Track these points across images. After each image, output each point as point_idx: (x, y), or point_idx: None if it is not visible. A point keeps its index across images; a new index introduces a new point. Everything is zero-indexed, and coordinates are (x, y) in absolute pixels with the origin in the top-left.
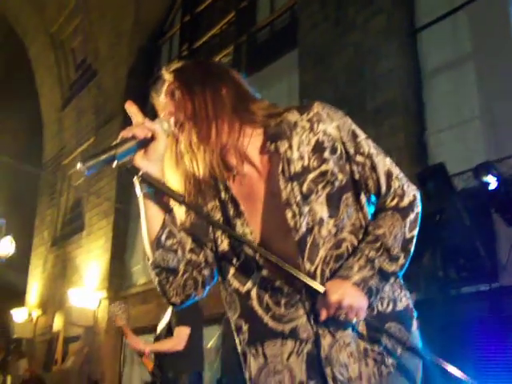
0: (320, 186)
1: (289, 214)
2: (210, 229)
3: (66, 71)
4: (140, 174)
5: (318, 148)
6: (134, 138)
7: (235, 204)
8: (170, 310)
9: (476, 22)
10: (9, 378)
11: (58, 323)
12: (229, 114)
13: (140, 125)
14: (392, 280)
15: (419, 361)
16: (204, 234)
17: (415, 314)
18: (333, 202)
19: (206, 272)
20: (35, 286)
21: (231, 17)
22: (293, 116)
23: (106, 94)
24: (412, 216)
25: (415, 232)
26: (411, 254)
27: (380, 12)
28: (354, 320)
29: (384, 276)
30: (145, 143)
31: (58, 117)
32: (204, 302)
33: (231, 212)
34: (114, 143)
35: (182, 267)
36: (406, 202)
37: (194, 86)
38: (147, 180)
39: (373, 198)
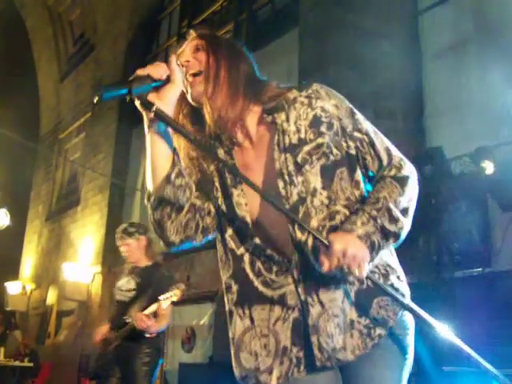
0: (315, 157)
1: (280, 184)
2: (214, 188)
3: (64, 44)
4: (154, 108)
5: (315, 122)
6: (149, 77)
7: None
8: (132, 282)
9: (478, 4)
10: (2, 350)
11: (51, 297)
12: (239, 86)
13: (157, 65)
14: (391, 242)
15: (411, 335)
16: (210, 185)
17: (407, 292)
18: (327, 174)
19: (208, 220)
20: (29, 259)
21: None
22: (292, 93)
23: (104, 69)
24: (409, 186)
25: (412, 203)
26: (409, 223)
27: None
28: (356, 272)
29: (385, 234)
30: (159, 85)
31: (55, 90)
32: (198, 280)
33: (228, 180)
34: (130, 79)
35: (186, 207)
36: (403, 172)
37: (218, 50)
38: (161, 115)
39: (370, 174)
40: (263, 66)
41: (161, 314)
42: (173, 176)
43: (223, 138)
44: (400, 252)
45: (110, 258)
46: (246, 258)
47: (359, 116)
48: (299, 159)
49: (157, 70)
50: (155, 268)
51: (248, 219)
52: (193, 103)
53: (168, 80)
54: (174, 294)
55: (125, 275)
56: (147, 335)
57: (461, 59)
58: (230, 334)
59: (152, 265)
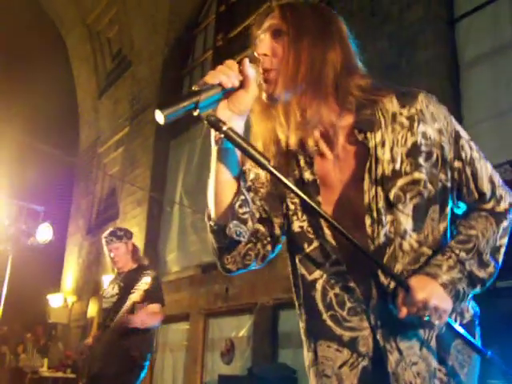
0: (409, 196)
1: (368, 221)
2: (284, 205)
3: (102, 61)
4: (225, 128)
5: (414, 151)
6: (220, 85)
7: (315, 188)
8: (116, 288)
9: None
10: (45, 361)
11: (92, 309)
12: (327, 85)
13: (227, 69)
14: (477, 289)
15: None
16: (277, 207)
17: (477, 322)
18: (419, 215)
19: (269, 247)
20: (71, 272)
21: (266, 6)
22: (391, 105)
23: (141, 84)
24: (505, 223)
25: (505, 241)
26: (499, 265)
27: (416, 2)
28: (436, 323)
29: (472, 281)
30: (231, 91)
31: (94, 106)
32: (237, 292)
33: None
34: (197, 89)
35: (247, 237)
36: (502, 207)
37: (303, 37)
38: (231, 137)
39: (461, 205)
40: None
41: (144, 310)
42: (236, 206)
43: (306, 145)
44: None
45: None
46: (319, 285)
47: (464, 140)
48: (391, 196)
49: (229, 77)
50: (140, 270)
51: (331, 240)
52: (268, 105)
53: (242, 85)
54: (143, 283)
55: (110, 283)
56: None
57: (499, 66)
58: (306, 360)
59: (137, 267)
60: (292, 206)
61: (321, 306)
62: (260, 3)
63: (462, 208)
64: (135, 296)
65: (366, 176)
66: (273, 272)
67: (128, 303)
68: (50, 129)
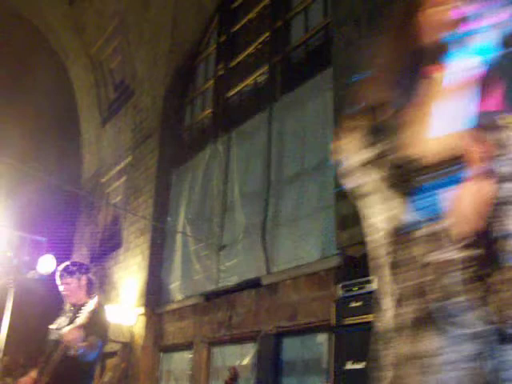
0: None
1: None
2: None
3: (104, 91)
4: None
5: None
6: None
7: None
8: (66, 320)
9: None
10: None
11: None
12: None
13: None
14: None
15: None
16: None
17: None
18: None
19: None
20: None
21: (266, 36)
22: None
23: (143, 114)
24: None
25: None
26: None
27: None
28: None
29: None
30: None
31: (97, 135)
32: (240, 320)
33: None
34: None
35: None
36: None
37: None
38: None
39: None
40: (299, 106)
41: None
42: None
43: None
44: None
45: (153, 300)
46: None
47: None
48: None
49: None
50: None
51: None
52: None
53: None
54: (89, 304)
55: (62, 315)
56: (78, 354)
57: None
58: None
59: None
60: None
61: None
62: (259, 33)
63: None
64: (80, 319)
65: None
66: (274, 299)
67: (71, 326)
68: (52, 158)
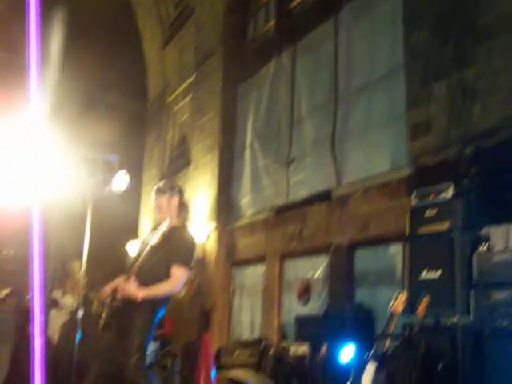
0: None
1: None
2: None
3: (165, 10)
4: None
5: None
6: None
7: None
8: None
9: None
10: None
11: None
12: None
13: None
14: None
15: None
16: None
17: None
18: None
19: None
20: (147, 221)
21: None
22: None
23: (204, 32)
24: None
25: None
26: None
27: None
28: None
29: None
30: None
31: (160, 56)
32: (311, 233)
33: None
34: None
35: None
36: None
37: None
38: None
39: None
40: (368, 12)
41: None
42: None
43: None
44: None
45: (224, 216)
46: None
47: None
48: None
49: None
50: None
51: None
52: None
53: None
54: (163, 226)
55: (152, 231)
56: None
57: None
58: None
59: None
60: None
61: None
62: None
63: None
64: (153, 240)
65: None
66: (346, 211)
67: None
68: (119, 80)
